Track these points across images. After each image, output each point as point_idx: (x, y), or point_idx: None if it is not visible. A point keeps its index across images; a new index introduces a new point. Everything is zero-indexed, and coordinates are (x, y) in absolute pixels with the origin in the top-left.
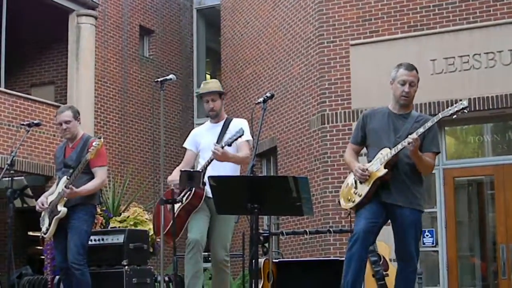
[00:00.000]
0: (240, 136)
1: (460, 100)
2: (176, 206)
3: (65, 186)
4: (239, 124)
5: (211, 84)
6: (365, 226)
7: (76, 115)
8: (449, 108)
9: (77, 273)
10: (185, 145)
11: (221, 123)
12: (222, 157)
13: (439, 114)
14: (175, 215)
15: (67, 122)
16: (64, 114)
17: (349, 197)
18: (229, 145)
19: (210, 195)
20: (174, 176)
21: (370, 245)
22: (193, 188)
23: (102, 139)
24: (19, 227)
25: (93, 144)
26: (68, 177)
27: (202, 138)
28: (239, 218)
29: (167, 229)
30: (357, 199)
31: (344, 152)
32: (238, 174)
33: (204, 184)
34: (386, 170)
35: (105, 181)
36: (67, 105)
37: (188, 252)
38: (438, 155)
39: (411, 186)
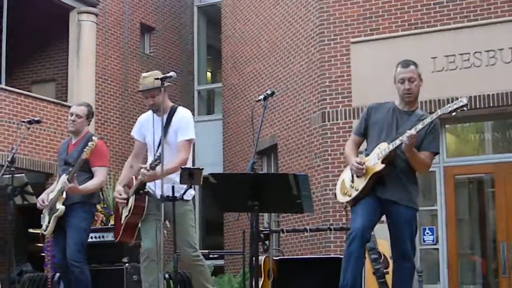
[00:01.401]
0: (156, 165)
1: (460, 98)
2: (124, 214)
3: (68, 181)
4: (181, 117)
5: (148, 80)
6: (362, 224)
7: (90, 115)
8: (449, 105)
9: (76, 270)
10: (133, 134)
11: (165, 115)
12: (151, 178)
13: (438, 110)
14: (122, 227)
15: (78, 116)
16: (79, 108)
17: (346, 191)
18: (153, 169)
19: (159, 197)
20: (123, 181)
21: (368, 241)
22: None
23: (96, 138)
24: (19, 224)
25: (88, 143)
26: (67, 175)
27: (147, 131)
28: (239, 215)
29: (119, 236)
30: (354, 193)
31: (344, 149)
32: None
33: (147, 193)
34: (384, 165)
35: (104, 182)
36: (86, 102)
37: (143, 262)
38: (436, 155)
39: (406, 183)
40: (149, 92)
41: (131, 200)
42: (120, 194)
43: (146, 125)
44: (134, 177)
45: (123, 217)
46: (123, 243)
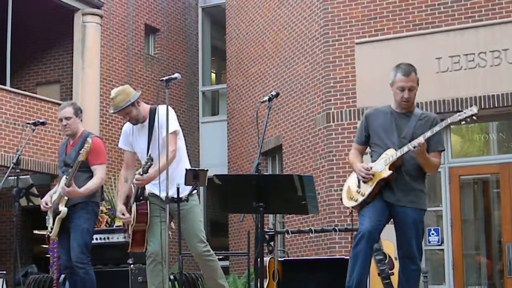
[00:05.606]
0: (148, 167)
1: (470, 107)
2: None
3: (66, 185)
4: (161, 115)
5: (118, 99)
6: (370, 225)
7: (78, 112)
8: (458, 114)
9: (80, 272)
10: (121, 146)
11: (147, 121)
12: (146, 182)
13: (448, 119)
14: (131, 237)
15: (67, 118)
16: (64, 111)
17: (352, 196)
18: (146, 172)
19: (164, 198)
20: (122, 197)
21: (375, 243)
22: (137, 208)
23: (90, 139)
24: (24, 226)
25: (84, 145)
26: (67, 177)
27: (134, 140)
28: (244, 216)
29: (130, 247)
30: (360, 199)
31: (349, 151)
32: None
33: (147, 198)
34: (391, 172)
35: (104, 179)
36: (69, 102)
37: (149, 265)
38: (443, 152)
39: (414, 186)
40: (122, 111)
41: (133, 209)
42: (124, 214)
43: (132, 134)
44: (132, 187)
45: (129, 227)
46: (135, 253)
